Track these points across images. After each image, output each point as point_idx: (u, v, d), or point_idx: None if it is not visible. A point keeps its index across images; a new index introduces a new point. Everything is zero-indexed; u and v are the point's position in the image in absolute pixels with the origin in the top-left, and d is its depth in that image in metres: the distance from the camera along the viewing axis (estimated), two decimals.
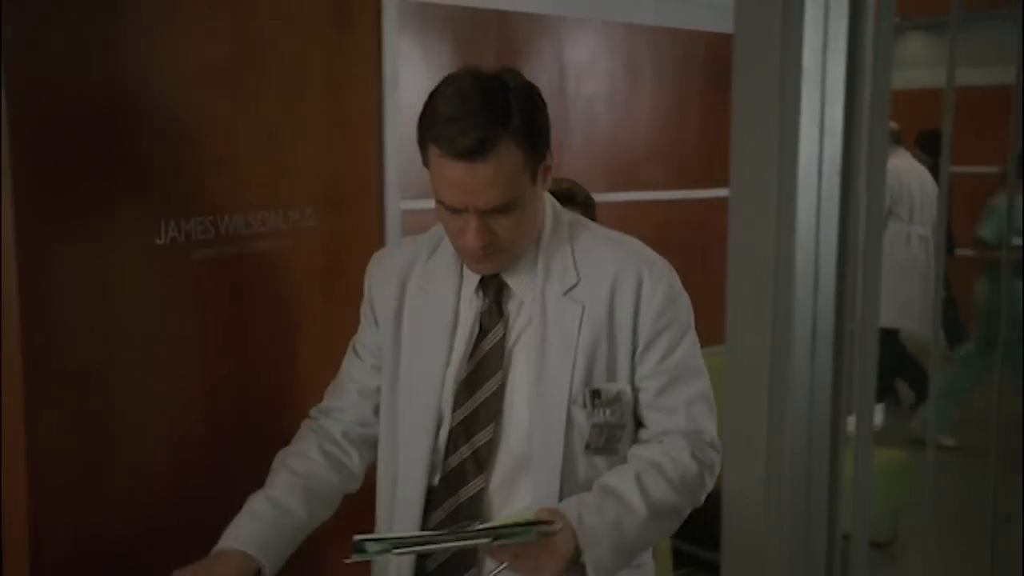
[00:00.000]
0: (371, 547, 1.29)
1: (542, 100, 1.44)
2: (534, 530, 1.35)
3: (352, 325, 1.63)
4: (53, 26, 1.59)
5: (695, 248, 4.41)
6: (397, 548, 1.32)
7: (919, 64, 6.39)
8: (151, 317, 1.76)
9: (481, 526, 1.37)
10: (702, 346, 3.66)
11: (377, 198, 2.17)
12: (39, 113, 1.57)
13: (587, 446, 1.50)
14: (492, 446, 1.49)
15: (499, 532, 1.34)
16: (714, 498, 3.26)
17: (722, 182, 4.25)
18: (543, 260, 1.51)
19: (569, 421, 1.48)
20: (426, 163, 1.40)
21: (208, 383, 1.84)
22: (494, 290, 1.51)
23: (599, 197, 3.95)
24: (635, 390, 1.51)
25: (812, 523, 1.62)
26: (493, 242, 1.41)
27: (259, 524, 1.46)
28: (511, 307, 1.52)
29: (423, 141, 1.39)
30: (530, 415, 1.49)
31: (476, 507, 1.50)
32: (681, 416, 1.52)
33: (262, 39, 1.88)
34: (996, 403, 1.88)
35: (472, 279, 1.51)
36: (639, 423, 1.54)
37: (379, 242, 2.11)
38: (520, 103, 1.39)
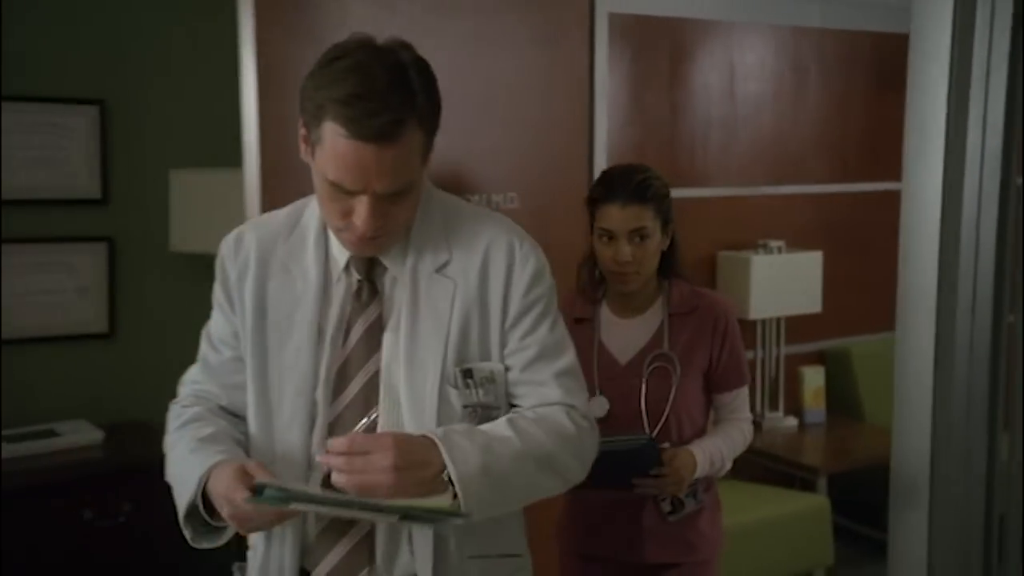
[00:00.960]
0: (269, 493, 1.20)
1: (435, 77, 1.35)
2: (444, 515, 1.28)
3: None
4: None
5: (856, 239, 4.48)
6: (296, 502, 1.23)
7: None
8: None
9: (391, 503, 1.26)
10: (870, 332, 3.96)
11: (582, 189, 2.52)
12: None
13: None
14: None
15: (408, 511, 1.27)
16: (876, 475, 3.45)
17: (883, 176, 4.39)
18: (415, 236, 1.42)
19: (442, 402, 1.40)
20: (312, 139, 1.31)
21: None
22: (365, 267, 1.43)
23: (764, 190, 4.17)
24: (505, 368, 1.44)
25: (971, 500, 1.82)
26: (383, 225, 1.33)
27: (226, 442, 1.41)
28: (385, 284, 1.44)
29: (316, 116, 1.28)
30: (403, 400, 1.39)
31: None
32: (553, 388, 1.45)
33: (472, 59, 2.26)
34: None
35: (341, 256, 1.43)
36: (512, 404, 1.47)
37: (579, 228, 2.44)
38: (422, 82, 1.31)
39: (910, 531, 1.91)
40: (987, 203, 1.79)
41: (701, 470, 2.03)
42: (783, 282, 4.04)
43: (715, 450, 2.06)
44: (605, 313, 2.13)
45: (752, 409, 4.05)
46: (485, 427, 1.38)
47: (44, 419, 3.05)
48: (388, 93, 1.25)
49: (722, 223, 4.13)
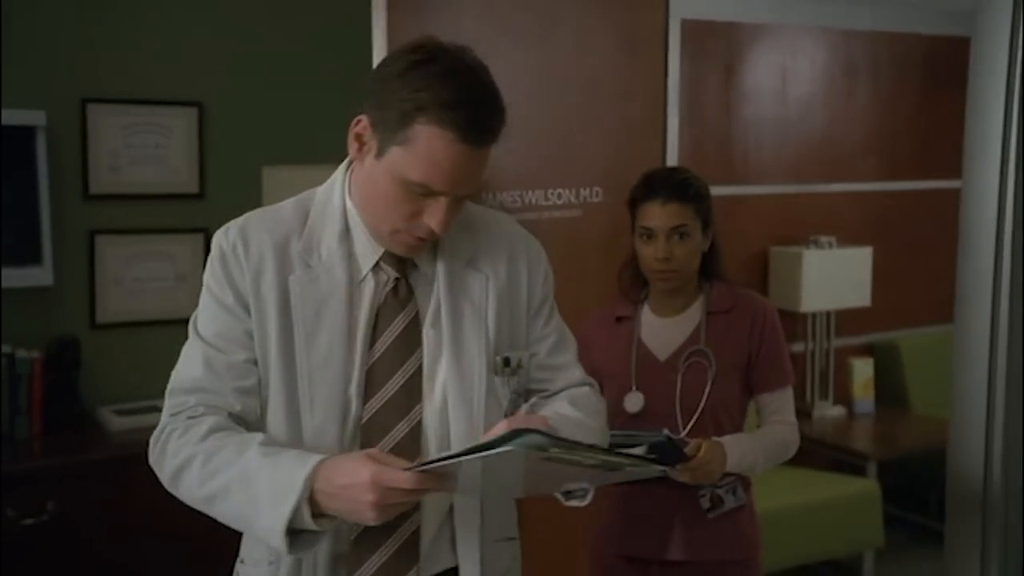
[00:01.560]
0: (533, 439, 1.12)
1: None
2: (645, 467, 1.36)
3: None
4: None
5: (904, 235, 4.59)
6: (555, 447, 1.16)
7: None
8: None
9: (618, 459, 1.31)
10: (918, 326, 4.14)
11: None
12: None
13: (505, 415, 1.44)
14: (416, 434, 1.39)
15: (622, 464, 1.33)
16: (924, 465, 3.60)
17: (931, 174, 4.52)
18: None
19: (488, 392, 1.42)
20: (387, 139, 1.30)
21: None
22: (395, 266, 1.42)
23: (815, 187, 4.32)
24: (531, 355, 1.50)
25: (1012, 490, 1.89)
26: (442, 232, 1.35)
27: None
28: (417, 282, 1.44)
29: (407, 116, 1.27)
30: (450, 393, 1.40)
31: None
32: (576, 370, 1.55)
33: (565, 65, 2.47)
34: None
35: (370, 254, 1.41)
36: (530, 388, 1.52)
37: None
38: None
39: (965, 517, 2.01)
40: None
41: (731, 463, 1.97)
42: (833, 277, 4.17)
43: (747, 447, 2.01)
44: (646, 313, 2.14)
45: (803, 399, 4.27)
46: (563, 411, 1.43)
47: (146, 396, 3.29)
48: (493, 98, 1.30)
49: (775, 219, 4.27)
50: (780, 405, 2.12)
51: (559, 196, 2.47)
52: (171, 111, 3.38)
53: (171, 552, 2.96)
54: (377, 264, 1.41)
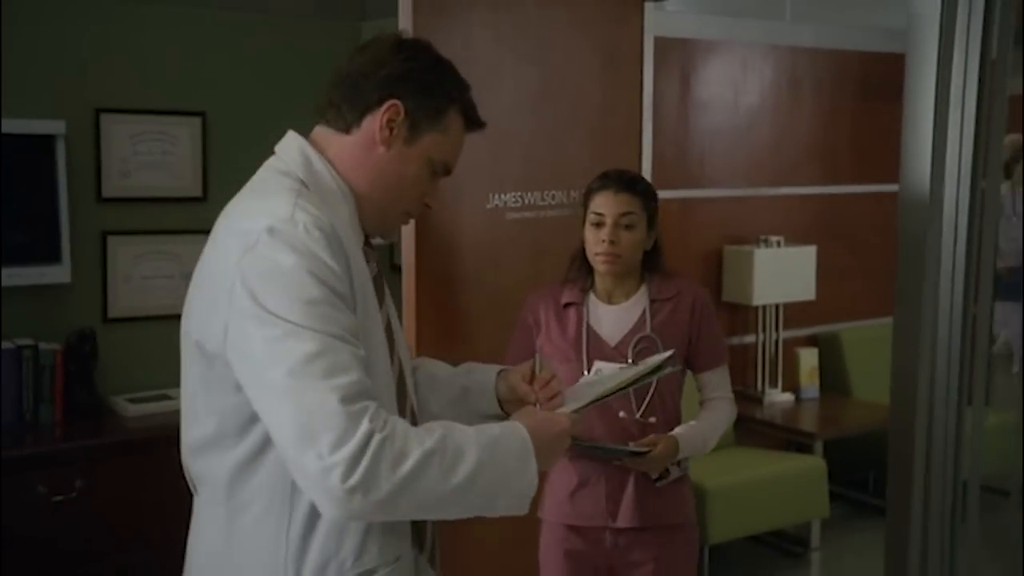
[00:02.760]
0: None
1: None
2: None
3: None
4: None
5: (845, 235, 4.93)
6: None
7: None
8: (482, 251, 2.70)
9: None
10: (858, 318, 4.54)
11: None
12: None
13: None
14: (403, 388, 1.49)
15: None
16: (865, 448, 3.97)
17: (869, 179, 4.94)
18: None
19: None
20: (423, 124, 1.40)
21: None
22: (371, 247, 1.49)
23: (764, 191, 4.69)
24: None
25: (944, 467, 2.11)
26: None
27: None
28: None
29: (447, 102, 1.42)
30: (403, 359, 1.52)
31: None
32: None
33: (558, 80, 2.79)
34: None
35: (359, 239, 1.42)
36: None
37: None
38: None
39: (903, 490, 2.14)
40: (962, 205, 2.08)
41: (682, 453, 2.22)
42: (781, 273, 4.52)
43: (697, 436, 2.25)
44: (592, 300, 2.28)
45: (754, 386, 4.63)
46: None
47: (156, 387, 3.53)
48: None
49: (728, 220, 4.61)
50: (720, 381, 2.34)
51: (553, 197, 2.79)
52: (176, 120, 3.63)
53: (184, 523, 3.22)
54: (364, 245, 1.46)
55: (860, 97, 4.94)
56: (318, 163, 1.41)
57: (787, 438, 4.48)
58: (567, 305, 2.29)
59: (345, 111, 1.43)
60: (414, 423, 1.41)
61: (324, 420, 1.19)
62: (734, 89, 4.59)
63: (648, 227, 2.25)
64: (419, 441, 1.23)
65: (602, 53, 2.85)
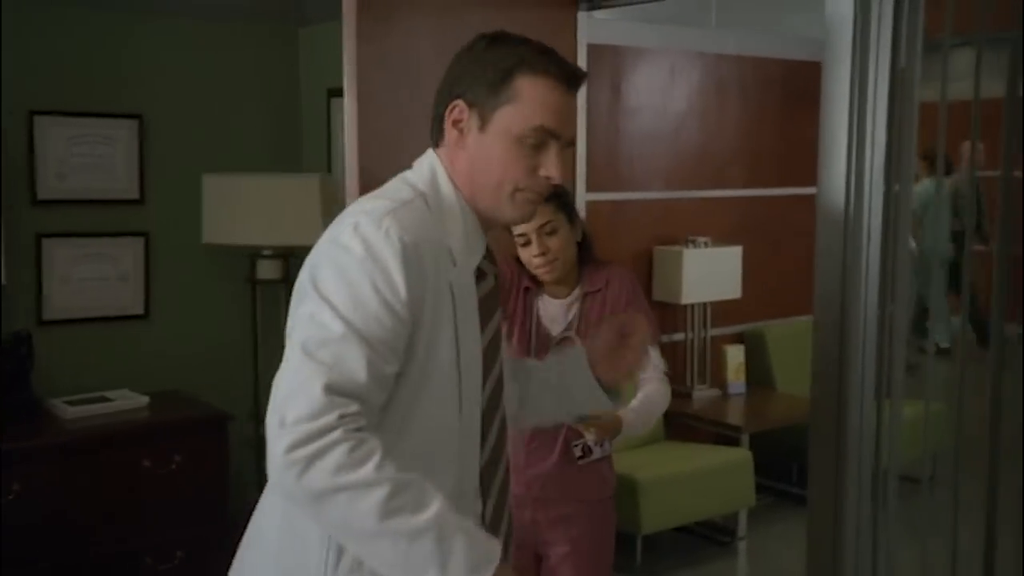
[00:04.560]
0: None
1: None
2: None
3: None
4: None
5: (769, 236, 5.05)
6: None
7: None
8: None
9: None
10: (782, 316, 4.57)
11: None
12: None
13: None
14: (505, 422, 1.55)
15: None
16: (788, 441, 4.10)
17: (791, 182, 5.11)
18: None
19: None
20: (489, 107, 1.39)
21: None
22: (491, 260, 1.52)
23: (692, 194, 4.83)
24: None
25: (863, 457, 2.21)
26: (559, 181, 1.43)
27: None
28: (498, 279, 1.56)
29: (504, 77, 1.38)
30: (506, 378, 1.57)
31: (507, 479, 1.57)
32: None
33: None
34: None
35: (477, 251, 1.46)
36: None
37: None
38: None
39: (824, 479, 2.24)
40: (876, 207, 2.17)
41: (625, 432, 2.28)
42: (709, 273, 4.65)
43: (639, 417, 2.32)
44: (543, 291, 2.40)
45: (683, 382, 4.77)
46: None
47: (93, 388, 3.52)
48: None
49: (657, 222, 4.72)
50: (654, 360, 2.40)
51: None
52: (113, 122, 3.63)
53: (124, 522, 3.25)
54: (484, 256, 1.48)
55: (783, 103, 5.11)
56: (442, 176, 1.46)
57: (715, 432, 4.62)
58: (527, 289, 2.39)
59: (435, 127, 1.48)
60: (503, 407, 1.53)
61: (303, 396, 1.25)
62: (663, 95, 4.72)
63: (570, 224, 2.32)
64: (379, 468, 1.23)
65: None
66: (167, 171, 3.77)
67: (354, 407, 1.25)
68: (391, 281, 1.30)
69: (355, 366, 1.27)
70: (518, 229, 2.27)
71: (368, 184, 2.44)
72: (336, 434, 1.23)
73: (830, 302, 2.23)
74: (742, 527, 4.42)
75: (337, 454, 1.22)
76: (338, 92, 2.52)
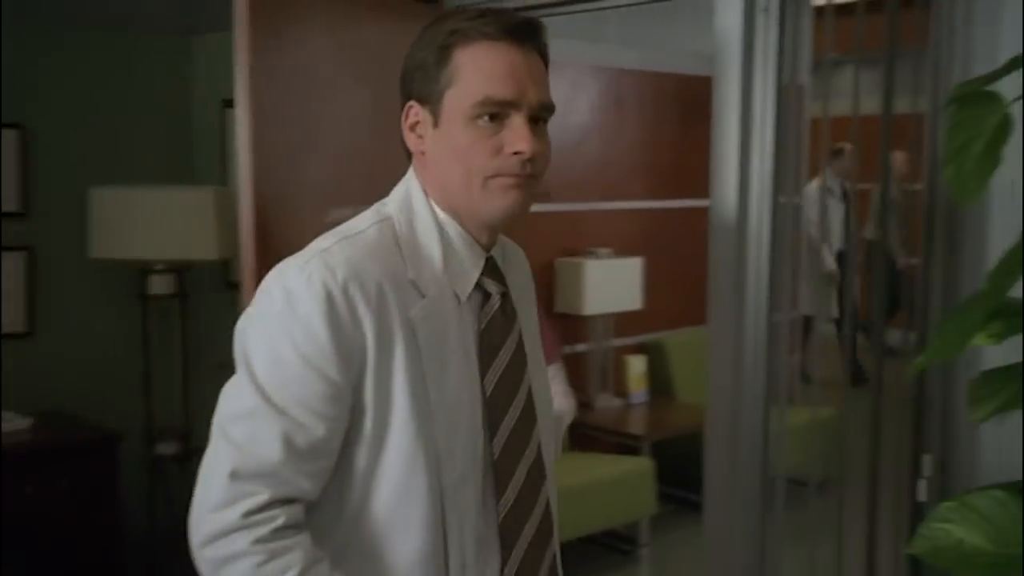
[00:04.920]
0: None
1: None
2: None
3: None
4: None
5: (668, 247, 5.14)
6: None
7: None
8: None
9: None
10: (681, 326, 4.62)
11: None
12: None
13: None
14: (538, 468, 1.32)
15: None
16: (688, 449, 4.12)
17: (688, 194, 5.20)
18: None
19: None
20: (449, 81, 1.21)
21: None
22: (498, 278, 1.31)
23: (593, 206, 4.89)
24: None
25: (753, 463, 2.27)
26: (535, 158, 1.21)
27: None
28: (511, 300, 1.34)
29: (441, 59, 1.21)
30: (543, 415, 1.36)
31: (546, 534, 1.34)
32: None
33: (392, 96, 2.85)
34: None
35: (470, 268, 1.27)
36: None
37: None
38: None
39: (720, 486, 2.29)
40: (763, 218, 2.23)
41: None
42: (610, 284, 4.71)
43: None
44: None
45: (586, 392, 4.81)
46: None
47: None
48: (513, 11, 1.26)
49: (560, 234, 4.76)
50: (557, 376, 2.36)
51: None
52: None
53: (7, 553, 3.10)
54: (480, 277, 1.28)
55: (680, 117, 5.21)
56: (415, 192, 1.29)
57: (618, 441, 4.67)
58: None
59: (404, 140, 1.32)
60: (538, 455, 1.33)
61: (209, 483, 1.17)
62: (564, 108, 4.75)
63: None
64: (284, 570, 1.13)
65: None
66: (53, 183, 3.63)
67: (263, 497, 1.14)
68: (313, 335, 1.15)
69: (268, 444, 1.15)
70: None
71: (263, 197, 2.41)
72: (241, 542, 1.13)
73: (724, 311, 2.29)
74: (644, 535, 4.47)
75: (243, 567, 1.13)
76: (233, 103, 2.47)
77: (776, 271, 2.28)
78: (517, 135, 1.20)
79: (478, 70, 1.20)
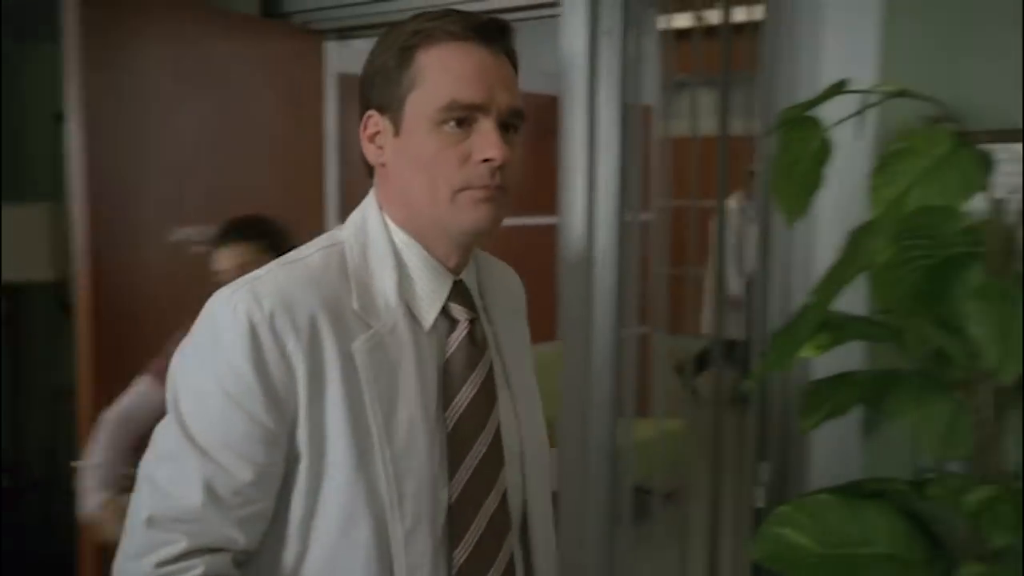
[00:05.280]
0: None
1: None
2: None
3: None
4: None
5: (524, 265, 5.29)
6: None
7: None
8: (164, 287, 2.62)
9: None
10: (536, 341, 4.63)
11: (319, 226, 3.08)
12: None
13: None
14: (505, 509, 1.19)
15: None
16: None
17: (541, 211, 5.27)
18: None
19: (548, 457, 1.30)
20: (411, 84, 1.12)
21: None
22: (466, 303, 1.20)
23: None
24: None
25: (602, 473, 2.30)
26: (505, 167, 1.11)
27: None
28: (485, 325, 1.23)
29: (402, 63, 1.12)
30: (528, 455, 1.24)
31: None
32: None
33: (240, 114, 2.79)
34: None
35: (433, 295, 1.17)
36: None
37: None
38: None
39: (571, 496, 2.31)
40: (610, 236, 2.30)
41: None
42: None
43: None
44: None
45: None
46: None
47: None
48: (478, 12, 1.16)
49: None
50: None
51: None
52: None
53: None
54: (444, 306, 1.18)
55: (532, 135, 5.26)
56: (371, 212, 1.19)
57: None
58: None
59: (361, 157, 1.23)
60: (503, 500, 1.19)
61: (129, 528, 1.09)
62: None
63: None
64: None
65: (282, 89, 2.89)
66: None
67: (180, 545, 1.05)
68: (236, 371, 1.06)
69: (188, 489, 1.06)
70: (217, 266, 2.10)
71: (99, 215, 2.31)
72: None
73: (574, 327, 2.34)
74: None
75: None
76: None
77: (623, 288, 2.33)
78: (486, 141, 1.10)
79: (444, 71, 1.11)
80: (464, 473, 1.15)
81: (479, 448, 1.16)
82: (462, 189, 1.11)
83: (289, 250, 1.72)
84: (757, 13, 2.08)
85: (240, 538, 1.08)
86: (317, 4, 2.88)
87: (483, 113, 1.10)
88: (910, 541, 1.47)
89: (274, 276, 1.11)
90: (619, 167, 2.31)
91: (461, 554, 1.14)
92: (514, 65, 1.17)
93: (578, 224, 2.31)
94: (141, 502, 1.08)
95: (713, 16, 2.28)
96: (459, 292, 1.19)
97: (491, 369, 1.19)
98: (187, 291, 2.72)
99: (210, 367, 1.07)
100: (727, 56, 2.21)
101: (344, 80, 3.18)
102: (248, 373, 1.05)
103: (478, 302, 1.22)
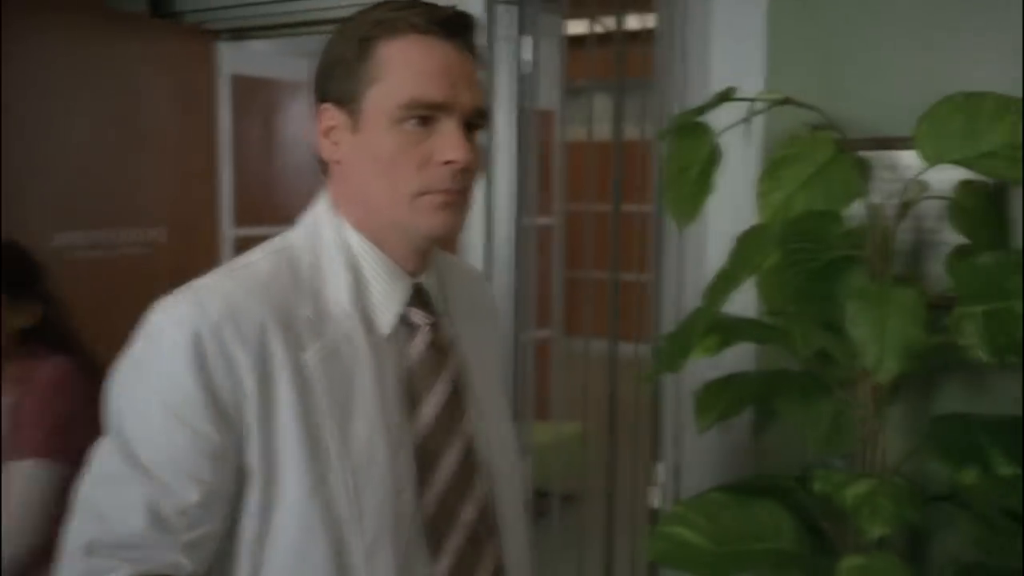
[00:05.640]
0: None
1: None
2: None
3: None
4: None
5: None
6: None
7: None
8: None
9: None
10: None
11: (210, 231, 3.02)
12: None
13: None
14: (487, 519, 1.15)
15: None
16: None
17: None
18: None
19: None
20: (371, 78, 1.06)
21: None
22: (425, 307, 1.15)
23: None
24: None
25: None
26: (467, 169, 1.07)
27: None
28: (448, 328, 1.18)
29: (368, 45, 1.06)
30: (497, 467, 1.19)
31: None
32: None
33: (132, 116, 2.72)
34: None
35: (391, 299, 1.12)
36: None
37: (211, 261, 2.61)
38: None
39: None
40: (509, 240, 2.31)
41: None
42: None
43: None
44: None
45: None
46: None
47: None
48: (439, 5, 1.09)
49: None
50: None
51: (128, 236, 2.71)
52: None
53: None
54: (405, 308, 1.12)
55: None
56: (324, 213, 1.13)
57: None
58: None
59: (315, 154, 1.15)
60: (484, 509, 1.15)
61: (67, 558, 1.00)
62: (302, 129, 4.73)
63: (12, 304, 1.86)
64: None
65: (175, 91, 2.83)
66: None
67: (121, 574, 0.97)
68: (179, 384, 0.99)
69: (130, 512, 0.98)
70: None
71: (9, 217, 2.22)
72: None
73: None
74: None
75: None
76: None
77: (521, 292, 2.36)
78: (449, 142, 1.04)
79: (405, 66, 1.05)
80: (438, 485, 1.10)
81: (450, 456, 1.12)
82: (422, 193, 1.06)
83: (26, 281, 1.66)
84: (650, 21, 2.12)
85: (186, 564, 1.00)
86: (208, 4, 2.82)
87: (446, 112, 1.05)
88: (797, 535, 1.52)
89: (220, 283, 1.05)
90: (516, 171, 2.33)
91: (442, 565, 1.10)
92: (478, 61, 1.12)
93: (476, 229, 2.33)
94: (78, 528, 1.00)
95: (609, 23, 2.32)
96: (419, 295, 1.14)
97: (459, 374, 1.15)
98: (70, 295, 2.66)
99: (150, 380, 1.01)
100: (621, 63, 2.25)
101: (238, 81, 3.13)
102: (190, 385, 0.99)
103: (440, 306, 1.17)
